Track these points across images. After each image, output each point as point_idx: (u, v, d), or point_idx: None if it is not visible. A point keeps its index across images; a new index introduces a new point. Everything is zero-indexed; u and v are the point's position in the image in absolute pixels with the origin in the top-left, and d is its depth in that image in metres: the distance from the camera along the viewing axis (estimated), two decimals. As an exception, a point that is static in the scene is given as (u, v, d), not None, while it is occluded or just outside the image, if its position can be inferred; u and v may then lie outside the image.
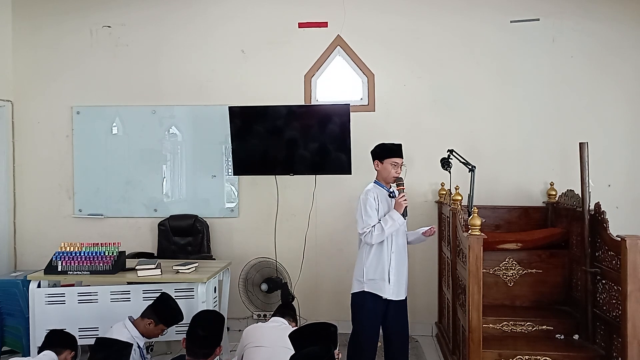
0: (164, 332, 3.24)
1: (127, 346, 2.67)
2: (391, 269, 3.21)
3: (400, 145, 3.31)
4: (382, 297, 3.21)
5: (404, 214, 3.16)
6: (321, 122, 4.26)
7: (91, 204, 4.76)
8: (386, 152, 3.29)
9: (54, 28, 4.79)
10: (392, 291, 3.22)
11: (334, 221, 4.56)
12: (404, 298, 3.29)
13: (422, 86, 4.52)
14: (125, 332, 3.08)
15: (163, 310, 3.19)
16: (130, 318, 3.20)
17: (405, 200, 3.16)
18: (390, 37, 4.53)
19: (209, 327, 2.66)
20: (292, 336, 2.45)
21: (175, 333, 3.60)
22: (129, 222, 4.75)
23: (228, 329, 3.85)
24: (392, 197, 3.26)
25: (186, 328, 2.75)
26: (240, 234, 4.67)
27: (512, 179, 4.44)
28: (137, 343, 3.08)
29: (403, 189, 3.19)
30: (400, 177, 3.23)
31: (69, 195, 4.79)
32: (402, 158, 3.28)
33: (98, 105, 4.74)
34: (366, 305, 3.24)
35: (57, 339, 2.98)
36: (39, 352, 2.94)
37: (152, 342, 4.01)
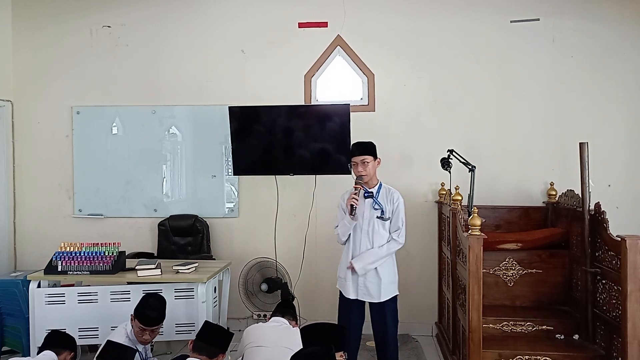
0: (148, 333, 3.10)
1: (130, 351, 2.76)
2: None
3: (357, 144, 3.32)
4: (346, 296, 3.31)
5: (352, 212, 3.18)
6: (321, 122, 4.26)
7: (91, 204, 4.76)
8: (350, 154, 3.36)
9: (54, 28, 4.79)
10: (364, 292, 3.26)
11: (334, 221, 4.53)
12: (381, 301, 3.27)
13: (422, 86, 4.52)
14: (124, 333, 3.08)
15: (138, 304, 3.15)
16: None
17: (352, 199, 3.17)
18: (390, 37, 4.53)
19: (218, 330, 2.82)
20: (303, 330, 2.57)
21: (175, 333, 3.62)
22: (129, 222, 4.74)
23: (228, 328, 3.84)
24: (366, 197, 3.27)
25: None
26: (240, 234, 4.67)
27: (512, 179, 4.44)
28: (136, 345, 3.07)
29: (355, 187, 3.22)
30: (360, 177, 3.24)
31: (69, 195, 4.79)
32: (364, 155, 3.25)
33: (98, 105, 4.74)
34: (339, 302, 3.39)
35: (57, 340, 2.98)
36: (38, 353, 2.94)
37: (152, 342, 4.01)
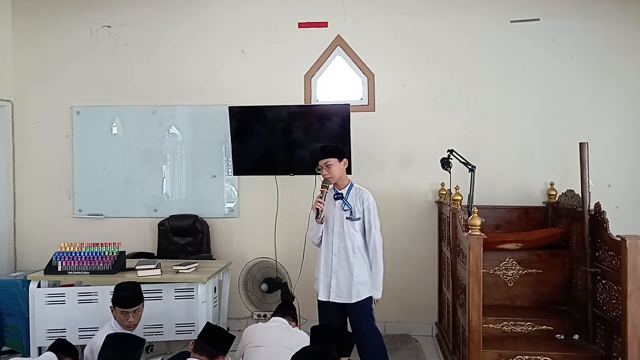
0: (131, 315, 3.10)
1: (139, 342, 2.72)
2: (333, 272, 3.25)
3: (320, 147, 3.30)
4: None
5: (317, 216, 3.20)
6: (321, 122, 4.26)
7: (91, 204, 4.76)
8: None
9: (54, 28, 4.79)
10: (335, 293, 3.25)
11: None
12: (353, 302, 3.23)
13: (422, 86, 4.52)
14: (109, 327, 3.09)
15: (113, 293, 3.17)
16: None
17: (318, 202, 3.18)
18: (390, 37, 4.53)
19: (220, 331, 2.81)
20: (314, 328, 2.60)
21: (175, 333, 3.62)
22: (129, 222, 4.74)
23: (228, 328, 3.85)
24: (336, 198, 3.28)
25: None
26: (240, 234, 4.67)
27: (512, 179, 4.44)
28: None
29: (322, 190, 3.22)
30: (326, 179, 3.25)
31: (69, 195, 4.79)
32: (326, 158, 3.23)
33: (98, 105, 4.74)
34: (318, 304, 3.36)
35: (61, 347, 2.97)
36: (39, 354, 2.93)
37: (152, 342, 4.02)
